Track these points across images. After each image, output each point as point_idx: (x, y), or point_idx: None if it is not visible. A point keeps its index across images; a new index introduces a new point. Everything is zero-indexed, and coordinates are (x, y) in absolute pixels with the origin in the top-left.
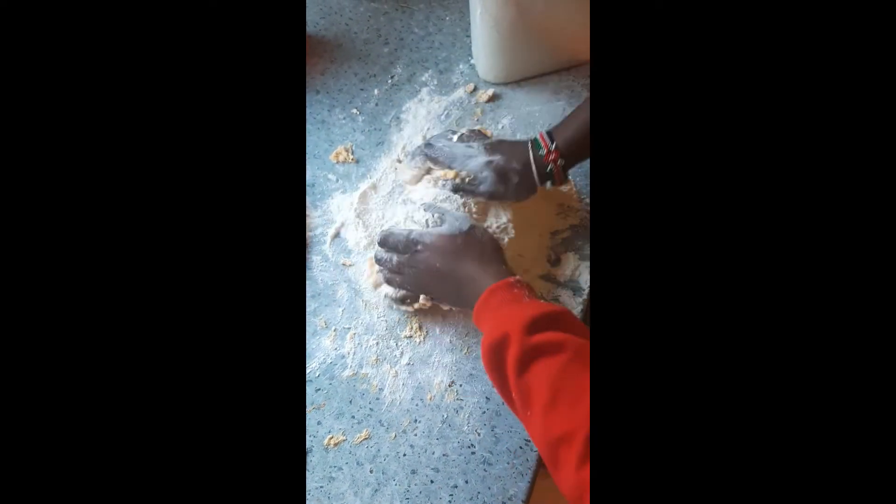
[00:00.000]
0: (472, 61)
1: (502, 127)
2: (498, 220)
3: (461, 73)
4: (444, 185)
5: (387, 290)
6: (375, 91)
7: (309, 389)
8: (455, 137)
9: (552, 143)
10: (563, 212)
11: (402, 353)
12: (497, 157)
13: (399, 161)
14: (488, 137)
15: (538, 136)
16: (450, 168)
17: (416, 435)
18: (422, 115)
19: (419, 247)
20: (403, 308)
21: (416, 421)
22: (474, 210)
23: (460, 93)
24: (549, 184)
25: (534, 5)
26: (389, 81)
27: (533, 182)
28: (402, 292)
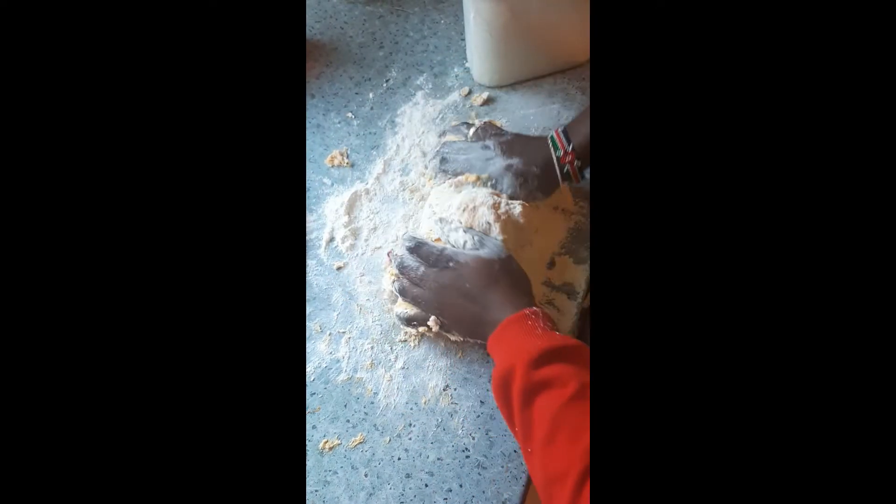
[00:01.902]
0: (467, 65)
1: None
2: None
3: (456, 76)
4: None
5: (397, 309)
6: (370, 95)
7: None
8: (471, 132)
9: (569, 144)
10: (559, 215)
11: (396, 358)
12: (516, 161)
13: (429, 177)
14: (502, 131)
15: (554, 135)
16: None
17: (410, 439)
18: (417, 119)
19: (452, 264)
20: (407, 329)
21: (410, 425)
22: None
23: (455, 96)
24: (567, 183)
25: (527, 9)
26: (384, 85)
27: (555, 180)
28: (412, 311)
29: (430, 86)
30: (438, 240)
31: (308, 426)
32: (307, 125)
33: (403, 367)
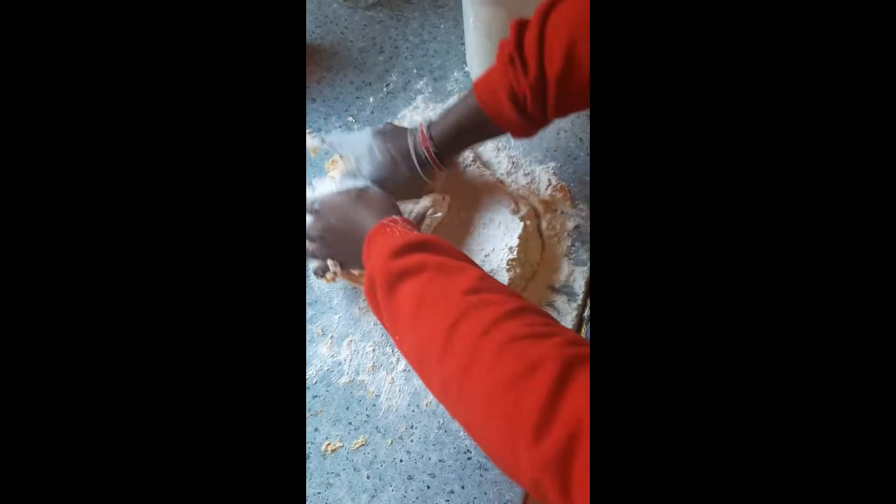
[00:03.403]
0: (467, 69)
1: None
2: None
3: (456, 80)
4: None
5: (309, 267)
6: (371, 99)
7: (306, 396)
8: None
9: (428, 132)
10: (556, 217)
11: (398, 360)
12: (379, 141)
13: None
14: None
15: (418, 126)
16: (339, 154)
17: (412, 441)
18: (417, 123)
19: (316, 205)
20: (324, 281)
21: (412, 427)
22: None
23: (455, 100)
24: (426, 172)
25: (525, 12)
26: (385, 89)
27: (414, 168)
28: (314, 263)
29: (430, 90)
30: None
31: (310, 428)
32: (308, 129)
33: (405, 370)
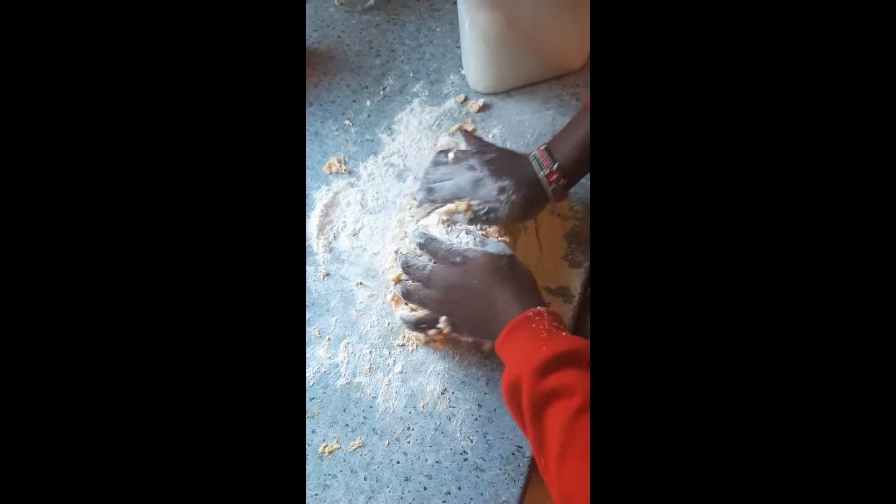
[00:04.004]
0: (463, 72)
1: (493, 136)
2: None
3: (452, 83)
4: (456, 220)
5: (402, 312)
6: (368, 102)
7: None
8: (451, 158)
9: (553, 164)
10: (553, 220)
11: (394, 362)
12: (506, 183)
13: (411, 209)
14: (483, 147)
15: (537, 153)
16: (458, 198)
17: (409, 442)
18: (413, 126)
19: (459, 259)
20: (417, 333)
21: (409, 428)
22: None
23: (451, 103)
24: (553, 200)
25: (521, 17)
26: (381, 93)
27: (543, 200)
28: (420, 313)
29: (427, 93)
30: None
31: (307, 430)
32: (305, 133)
33: (402, 372)
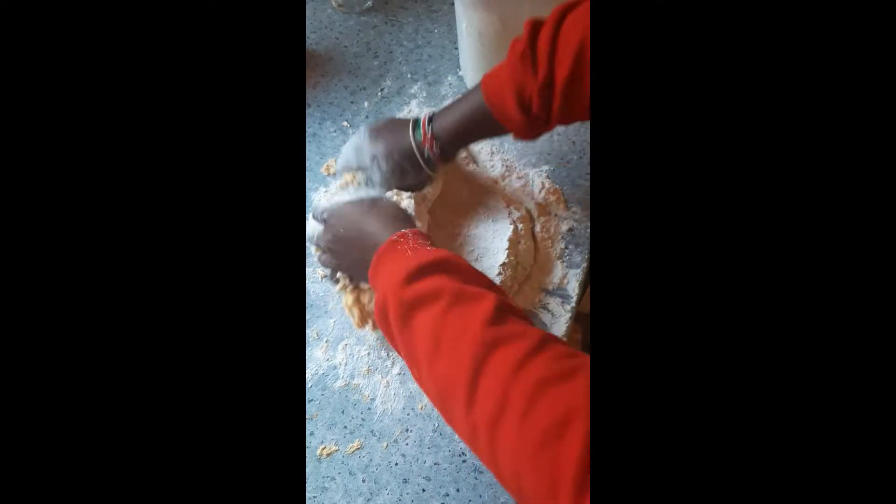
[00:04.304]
0: (461, 73)
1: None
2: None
3: (450, 84)
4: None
5: (319, 273)
6: (365, 104)
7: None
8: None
9: (429, 128)
10: (550, 220)
11: (393, 363)
12: (380, 148)
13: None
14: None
15: (422, 118)
16: (347, 169)
17: (407, 444)
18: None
19: (326, 215)
20: (337, 289)
21: (407, 430)
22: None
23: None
24: (430, 167)
25: (517, 18)
26: (379, 94)
27: (417, 165)
28: (326, 271)
29: (425, 94)
30: None
31: (306, 432)
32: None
33: (400, 373)
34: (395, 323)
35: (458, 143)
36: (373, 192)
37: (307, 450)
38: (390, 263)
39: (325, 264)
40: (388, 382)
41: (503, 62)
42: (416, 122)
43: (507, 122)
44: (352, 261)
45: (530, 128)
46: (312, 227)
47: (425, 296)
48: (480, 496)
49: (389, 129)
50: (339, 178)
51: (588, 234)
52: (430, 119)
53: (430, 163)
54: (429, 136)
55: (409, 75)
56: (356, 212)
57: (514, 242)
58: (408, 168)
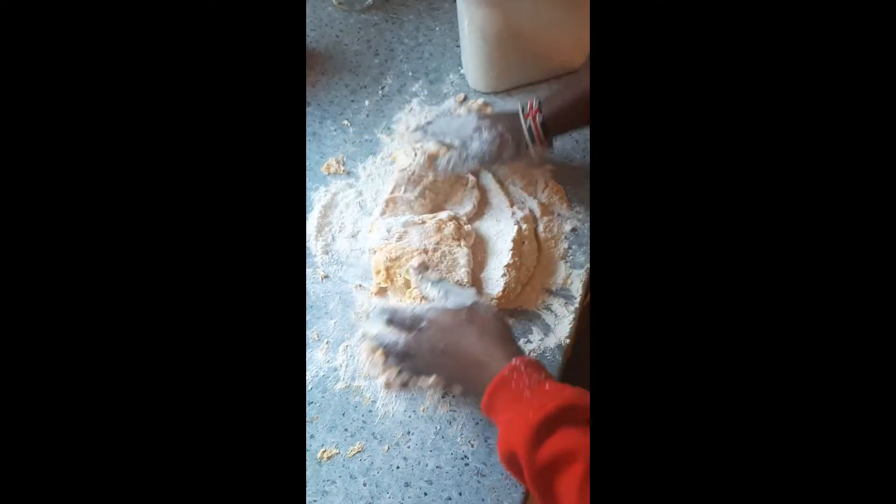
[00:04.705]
0: (462, 71)
1: None
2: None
3: (451, 83)
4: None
5: (383, 380)
6: (366, 102)
7: None
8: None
9: (536, 103)
10: (553, 220)
11: None
12: (487, 121)
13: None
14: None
15: (527, 100)
16: (444, 142)
17: (409, 447)
18: (412, 126)
19: (424, 324)
20: (411, 391)
21: (409, 433)
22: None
23: (451, 103)
24: (531, 146)
25: (520, 16)
26: (380, 92)
27: (521, 140)
28: (406, 377)
29: (426, 92)
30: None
31: (306, 435)
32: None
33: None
34: (533, 487)
35: (561, 123)
36: (463, 295)
37: (307, 453)
38: (511, 410)
39: (406, 369)
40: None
41: None
42: (524, 102)
43: None
44: (452, 375)
45: None
46: (382, 329)
47: (560, 458)
48: (483, 500)
49: (500, 113)
50: (424, 143)
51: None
52: (539, 101)
53: (531, 134)
54: (534, 108)
55: (410, 73)
56: (456, 324)
57: (517, 243)
58: (508, 139)
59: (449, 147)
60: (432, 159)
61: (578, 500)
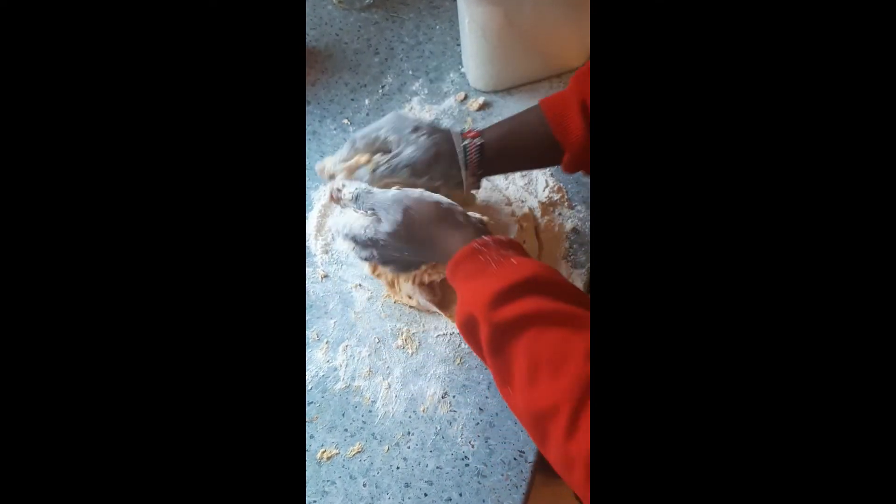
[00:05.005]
0: (463, 70)
1: None
2: None
3: (452, 81)
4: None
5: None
6: (366, 101)
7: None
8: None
9: (475, 129)
10: (554, 219)
11: (394, 365)
12: (427, 127)
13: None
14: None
15: (467, 124)
16: (367, 143)
17: (409, 448)
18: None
19: (408, 201)
20: (367, 269)
21: (409, 433)
22: None
23: (451, 101)
24: (464, 170)
25: (521, 14)
26: (380, 91)
27: (453, 156)
28: (368, 257)
29: (426, 91)
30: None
31: (306, 435)
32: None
33: (401, 375)
34: (487, 346)
35: (500, 158)
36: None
37: (307, 453)
38: (475, 278)
39: (367, 259)
40: (389, 384)
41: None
42: (464, 127)
43: (565, 137)
44: (412, 257)
45: (585, 149)
46: (343, 220)
47: (518, 320)
48: (483, 501)
49: (440, 126)
50: (347, 151)
51: None
52: (481, 130)
53: (465, 155)
54: (474, 132)
55: (410, 72)
56: (424, 208)
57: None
58: (444, 151)
59: (378, 150)
60: (351, 171)
61: (525, 363)
